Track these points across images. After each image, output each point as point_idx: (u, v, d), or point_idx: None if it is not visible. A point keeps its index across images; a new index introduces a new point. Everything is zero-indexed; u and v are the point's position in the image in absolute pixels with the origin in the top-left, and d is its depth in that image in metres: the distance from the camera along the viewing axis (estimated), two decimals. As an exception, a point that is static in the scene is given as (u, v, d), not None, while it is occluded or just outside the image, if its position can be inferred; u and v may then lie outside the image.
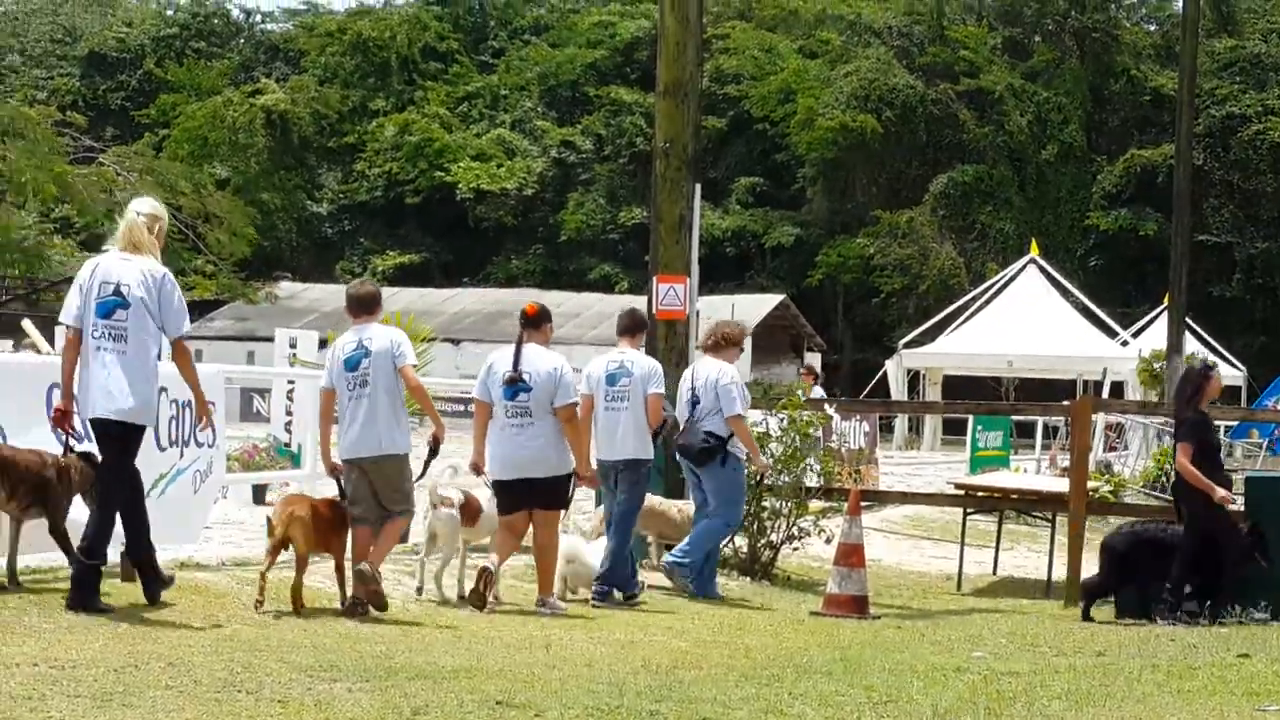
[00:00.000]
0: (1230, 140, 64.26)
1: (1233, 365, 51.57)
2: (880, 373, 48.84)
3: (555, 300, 60.84)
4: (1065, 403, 21.49)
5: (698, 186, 16.87)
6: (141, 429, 10.64)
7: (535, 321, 12.92)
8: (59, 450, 10.64)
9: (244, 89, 76.84)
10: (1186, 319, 38.46)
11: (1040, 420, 33.74)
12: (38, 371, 11.32)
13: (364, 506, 11.69)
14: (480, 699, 8.27)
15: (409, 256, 72.99)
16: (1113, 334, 48.42)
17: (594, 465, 13.56)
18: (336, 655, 9.47)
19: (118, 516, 10.55)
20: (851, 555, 13.73)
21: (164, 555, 11.50)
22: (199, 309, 56.63)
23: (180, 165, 56.51)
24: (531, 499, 12.67)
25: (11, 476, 10.37)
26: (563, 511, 13.07)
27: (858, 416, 24.24)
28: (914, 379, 49.57)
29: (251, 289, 58.77)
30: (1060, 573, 15.77)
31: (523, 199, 73.62)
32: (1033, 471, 27.32)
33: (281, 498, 12.26)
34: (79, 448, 10.68)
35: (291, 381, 19.50)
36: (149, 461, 11.36)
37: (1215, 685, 9.17)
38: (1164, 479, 25.32)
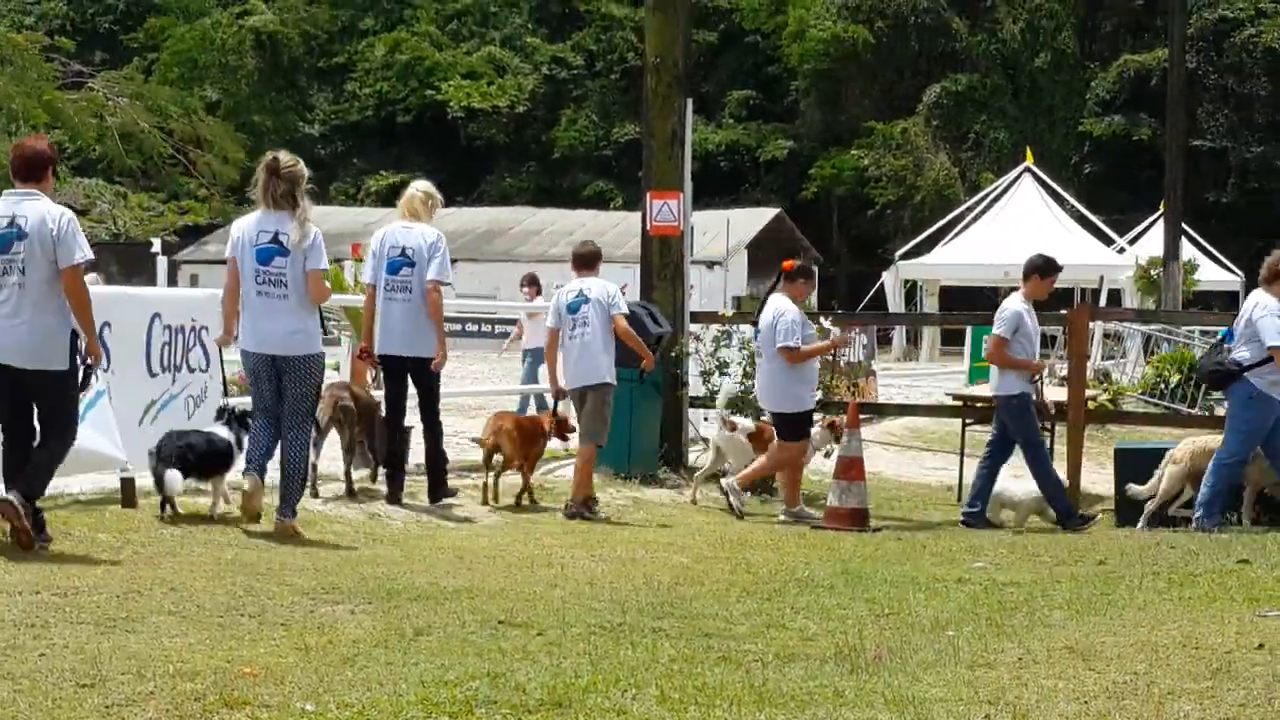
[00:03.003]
0: (1224, 44, 63.79)
1: (1230, 271, 51.53)
2: (877, 285, 48.86)
3: (549, 219, 60.86)
4: (1062, 311, 21.40)
5: (689, 101, 16.84)
6: (429, 360, 12.85)
7: (791, 275, 14.57)
8: None
9: (232, 9, 76.30)
10: (1183, 225, 38.46)
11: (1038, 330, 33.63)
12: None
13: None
14: (482, 619, 8.29)
15: (402, 176, 72.60)
16: (1109, 241, 48.30)
17: None
18: (338, 578, 9.50)
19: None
20: (851, 468, 13.75)
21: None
22: (193, 233, 56.50)
23: (170, 89, 55.98)
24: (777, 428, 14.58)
25: (365, 416, 13.03)
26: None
27: (855, 329, 24.18)
28: (911, 290, 49.53)
29: (244, 212, 58.49)
30: (1060, 481, 15.73)
31: (515, 116, 73.24)
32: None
33: (491, 416, 14.47)
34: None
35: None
36: (140, 388, 11.41)
37: (1216, 591, 9.19)
38: (1162, 386, 25.32)
